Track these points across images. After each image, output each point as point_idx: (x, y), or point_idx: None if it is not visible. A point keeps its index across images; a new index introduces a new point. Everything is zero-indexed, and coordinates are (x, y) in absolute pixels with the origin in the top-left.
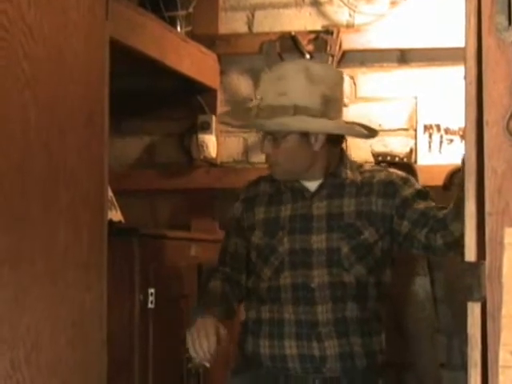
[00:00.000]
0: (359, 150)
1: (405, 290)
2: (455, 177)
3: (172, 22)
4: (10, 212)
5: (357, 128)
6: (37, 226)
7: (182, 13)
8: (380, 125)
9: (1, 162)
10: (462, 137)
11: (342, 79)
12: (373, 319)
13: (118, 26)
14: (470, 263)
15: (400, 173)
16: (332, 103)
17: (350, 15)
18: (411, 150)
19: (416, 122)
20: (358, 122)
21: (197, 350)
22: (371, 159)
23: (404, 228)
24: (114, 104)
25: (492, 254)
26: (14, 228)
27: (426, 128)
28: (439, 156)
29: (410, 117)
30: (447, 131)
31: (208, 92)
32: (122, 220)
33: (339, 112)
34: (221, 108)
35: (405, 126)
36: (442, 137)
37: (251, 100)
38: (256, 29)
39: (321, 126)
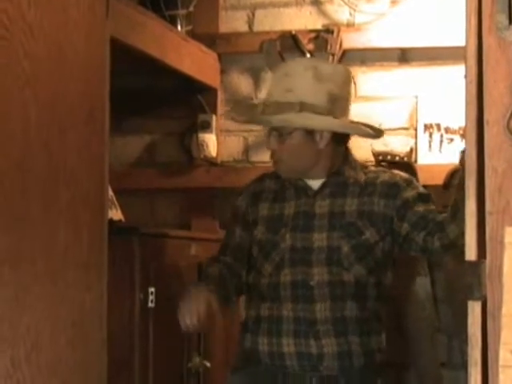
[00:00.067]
0: (359, 149)
1: (405, 290)
2: (454, 177)
3: (172, 21)
4: (10, 211)
5: (362, 127)
6: (37, 226)
7: (182, 12)
8: (380, 124)
9: (1, 160)
10: (463, 136)
11: (350, 78)
12: (372, 319)
13: (119, 25)
14: (470, 262)
15: (404, 175)
16: (339, 102)
17: (351, 14)
18: (411, 150)
19: (416, 121)
20: (363, 122)
21: (184, 315)
22: (371, 158)
23: (403, 230)
24: (114, 103)
25: (492, 253)
26: (14, 227)
27: (427, 127)
28: (439, 155)
29: (411, 116)
30: (447, 130)
31: (208, 91)
32: (123, 219)
33: (346, 111)
34: (221, 107)
35: (405, 125)
36: (442, 136)
37: (254, 98)
38: (256, 28)
39: (326, 123)
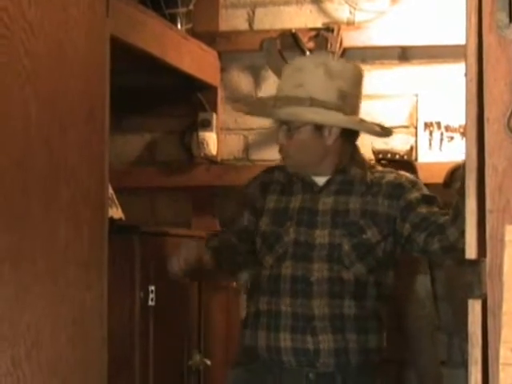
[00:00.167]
0: (360, 148)
1: (405, 289)
2: (456, 179)
3: (172, 20)
4: (10, 210)
5: (371, 125)
6: (37, 224)
7: (182, 10)
8: (380, 122)
9: (2, 158)
10: (463, 134)
11: (361, 77)
12: (371, 317)
13: (119, 23)
14: (470, 260)
15: (410, 176)
16: (348, 99)
17: (351, 12)
18: (412, 148)
19: (416, 120)
20: (373, 122)
21: (172, 261)
22: (372, 156)
23: (405, 231)
24: (114, 101)
25: (493, 252)
26: (15, 226)
27: (427, 125)
28: (440, 153)
29: (411, 114)
30: (448, 129)
31: (208, 89)
32: (123, 217)
33: (355, 108)
34: (221, 105)
35: (405, 124)
36: (442, 134)
37: (254, 96)
38: (256, 26)
39: (335, 119)
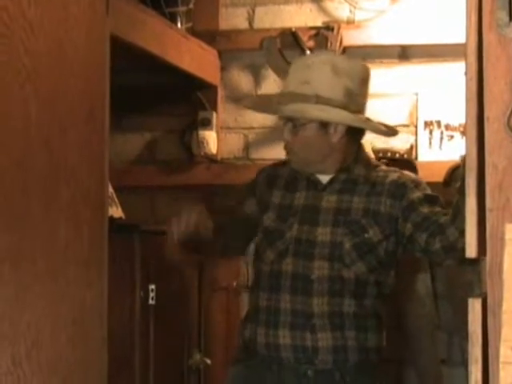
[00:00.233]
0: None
1: (405, 287)
2: (455, 178)
3: (172, 18)
4: (10, 209)
5: (376, 124)
6: (37, 224)
7: (182, 9)
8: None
9: (1, 158)
10: (463, 133)
11: (368, 76)
12: (371, 316)
13: (119, 22)
14: (470, 259)
15: (413, 176)
16: (354, 97)
17: (351, 11)
18: (411, 147)
19: (416, 119)
20: (379, 121)
21: (173, 223)
22: (372, 155)
23: (407, 231)
24: (114, 100)
25: (493, 250)
26: (15, 226)
27: (427, 124)
28: (440, 152)
29: (411, 113)
30: (448, 127)
31: (208, 88)
32: (123, 216)
33: (361, 107)
34: (221, 104)
35: (405, 122)
36: (442, 133)
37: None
38: (257, 25)
39: (340, 116)
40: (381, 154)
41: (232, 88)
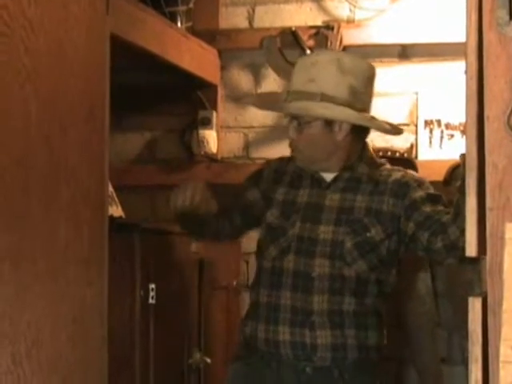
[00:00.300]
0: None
1: (406, 286)
2: (456, 177)
3: (172, 18)
4: (10, 209)
5: (381, 123)
6: (37, 223)
7: (182, 8)
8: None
9: (2, 157)
10: (463, 132)
11: (374, 75)
12: (371, 314)
13: (119, 21)
14: (470, 258)
15: (417, 175)
16: (359, 95)
17: (351, 10)
18: (412, 146)
19: (417, 118)
20: (384, 120)
21: (175, 193)
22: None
23: (409, 230)
24: (114, 99)
25: (493, 249)
26: (15, 225)
27: (427, 123)
28: (440, 151)
29: (411, 112)
30: (448, 126)
31: (208, 87)
32: (123, 215)
33: (367, 105)
34: (221, 103)
35: (405, 121)
36: (442, 132)
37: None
38: (257, 24)
39: (345, 114)
40: (381, 153)
41: (232, 87)
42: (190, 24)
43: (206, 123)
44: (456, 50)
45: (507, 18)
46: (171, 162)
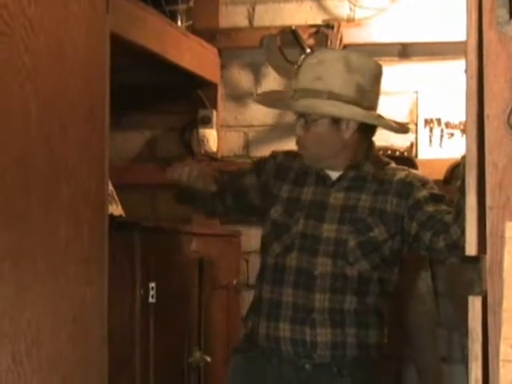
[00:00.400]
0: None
1: (406, 285)
2: (456, 176)
3: (172, 17)
4: (10, 208)
5: (388, 121)
6: (37, 223)
7: (182, 7)
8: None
9: (2, 157)
10: (463, 131)
11: (381, 74)
12: (372, 313)
13: (119, 20)
14: (470, 257)
15: (421, 175)
16: (366, 93)
17: (351, 9)
18: (412, 144)
19: (417, 116)
20: (390, 119)
21: (176, 166)
22: None
23: (413, 229)
24: (114, 98)
25: (493, 248)
26: (15, 225)
27: (427, 122)
28: (440, 150)
29: (411, 111)
30: (448, 125)
31: (208, 86)
32: (123, 214)
33: (373, 103)
34: (221, 102)
35: (405, 120)
36: (442, 131)
37: (254, 93)
38: (257, 23)
39: (352, 112)
40: (381, 152)
41: (232, 86)
42: (190, 23)
43: (206, 122)
44: (456, 49)
45: (507, 16)
46: (171, 160)
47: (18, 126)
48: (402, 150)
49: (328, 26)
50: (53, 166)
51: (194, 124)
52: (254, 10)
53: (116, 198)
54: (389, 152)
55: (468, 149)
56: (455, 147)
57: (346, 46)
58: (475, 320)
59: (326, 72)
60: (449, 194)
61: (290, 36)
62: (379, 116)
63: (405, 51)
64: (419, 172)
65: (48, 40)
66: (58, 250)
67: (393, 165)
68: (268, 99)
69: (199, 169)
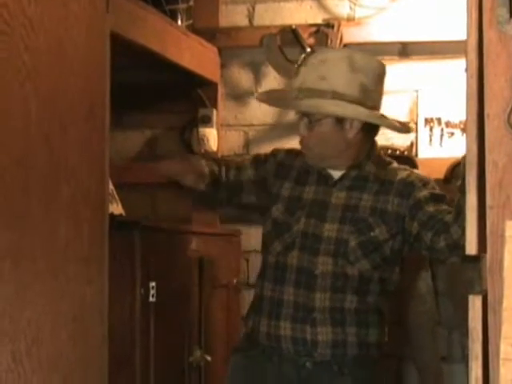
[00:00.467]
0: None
1: (407, 285)
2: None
3: (173, 16)
4: (10, 208)
5: (391, 121)
6: (37, 221)
7: (182, 6)
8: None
9: (2, 156)
10: (463, 130)
11: (384, 73)
12: (372, 312)
13: (119, 19)
14: (471, 256)
15: (422, 175)
16: (369, 93)
17: (351, 8)
18: (412, 144)
19: (417, 116)
20: (393, 118)
21: (163, 163)
22: None
23: (414, 229)
24: (114, 97)
25: (493, 247)
26: (15, 224)
27: (427, 121)
28: (440, 149)
29: (411, 110)
30: (448, 124)
31: (208, 85)
32: (123, 213)
33: (377, 103)
34: (221, 101)
35: (406, 120)
36: (442, 130)
37: (254, 92)
38: (257, 22)
39: (356, 112)
40: (381, 151)
41: (232, 85)
42: (190, 22)
43: (206, 121)
44: (456, 48)
45: (507, 16)
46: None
47: (17, 126)
48: (402, 149)
49: (328, 25)
50: (53, 165)
51: (194, 123)
52: (254, 9)
53: (116, 197)
54: (389, 151)
55: (468, 148)
56: (455, 146)
57: (346, 45)
58: (475, 319)
59: (329, 72)
60: (449, 193)
61: (290, 35)
62: (382, 116)
63: (405, 50)
64: (420, 172)
65: (48, 39)
66: (58, 249)
67: (395, 164)
68: (271, 98)
69: (188, 166)
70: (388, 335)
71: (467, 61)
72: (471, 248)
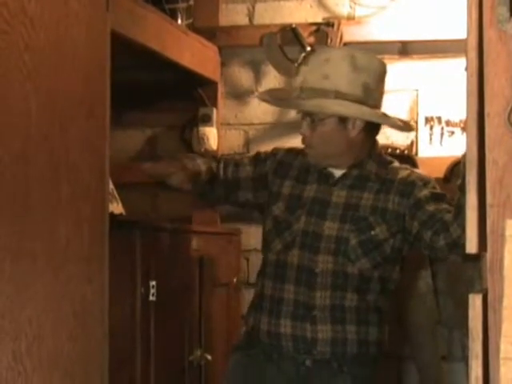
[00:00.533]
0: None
1: (407, 284)
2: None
3: (173, 15)
4: (11, 207)
5: (394, 120)
6: (38, 221)
7: (182, 5)
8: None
9: (2, 155)
10: (463, 129)
11: (385, 71)
12: (373, 310)
13: (119, 18)
14: (471, 255)
15: (423, 174)
16: (371, 92)
17: (351, 7)
18: (412, 142)
19: (417, 114)
20: (395, 117)
21: (151, 165)
22: None
23: (414, 228)
24: (114, 96)
25: (493, 246)
26: (15, 222)
27: (427, 120)
28: (440, 148)
29: (411, 109)
30: (448, 123)
31: (209, 84)
32: (123, 212)
33: (378, 102)
34: (221, 100)
35: (406, 118)
36: (443, 129)
37: (254, 91)
38: (257, 21)
39: (359, 111)
40: (382, 150)
41: (232, 84)
42: (190, 21)
43: (207, 120)
44: (456, 47)
45: (508, 15)
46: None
47: (18, 124)
48: (402, 148)
49: (328, 24)
50: (53, 164)
51: (195, 122)
52: (254, 8)
53: (116, 196)
54: (389, 150)
55: (468, 147)
56: (455, 145)
57: (346, 44)
58: (475, 318)
59: (332, 71)
60: (449, 192)
61: (290, 34)
62: (384, 114)
63: (405, 49)
64: (421, 171)
65: (48, 38)
66: (59, 248)
67: (396, 164)
68: (273, 97)
69: (174, 167)
70: (388, 335)
71: (467, 60)
72: (471, 247)
